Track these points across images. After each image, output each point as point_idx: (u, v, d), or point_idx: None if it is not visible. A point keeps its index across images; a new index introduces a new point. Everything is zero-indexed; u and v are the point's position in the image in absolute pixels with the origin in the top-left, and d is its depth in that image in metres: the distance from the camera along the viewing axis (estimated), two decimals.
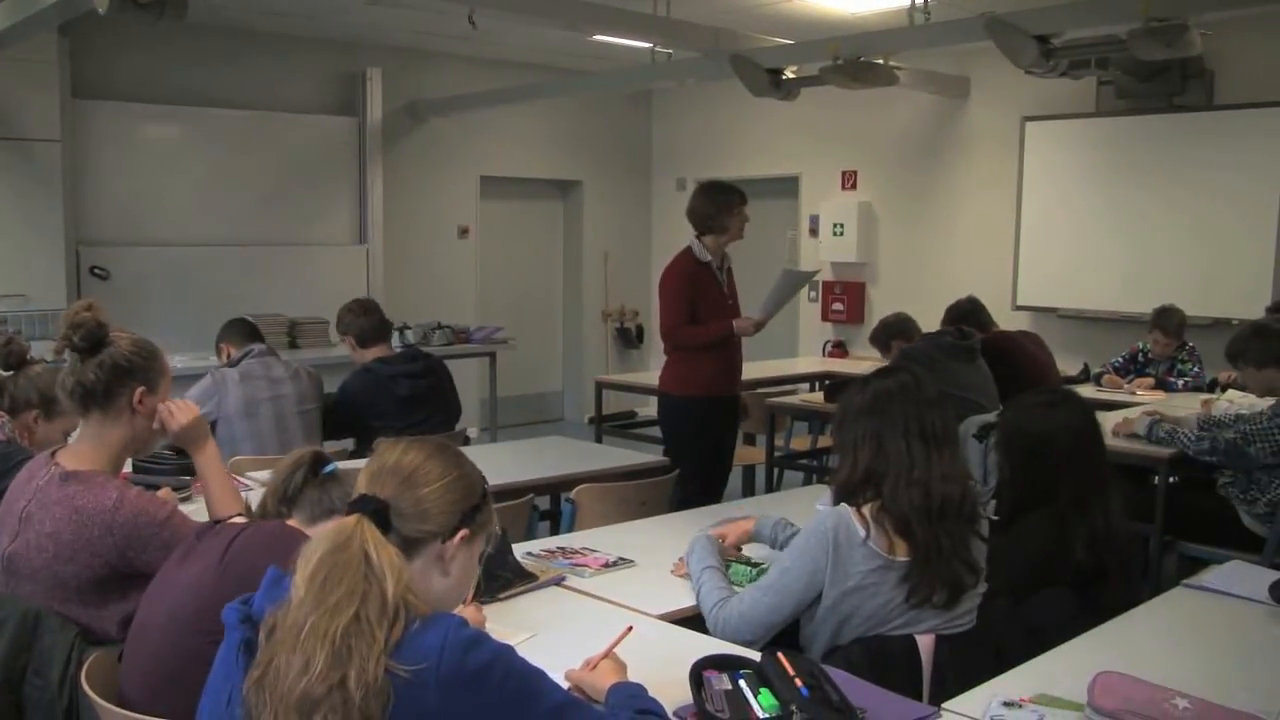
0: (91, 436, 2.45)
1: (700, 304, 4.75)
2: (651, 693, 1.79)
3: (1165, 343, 5.94)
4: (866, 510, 2.35)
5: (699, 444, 4.76)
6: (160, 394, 2.49)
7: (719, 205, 4.73)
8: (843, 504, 2.38)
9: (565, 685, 1.83)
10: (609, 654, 1.93)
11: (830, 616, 2.34)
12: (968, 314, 5.44)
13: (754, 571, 2.67)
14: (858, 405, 2.44)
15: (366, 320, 4.73)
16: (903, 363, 4.63)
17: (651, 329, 9.66)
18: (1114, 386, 5.97)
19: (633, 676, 1.88)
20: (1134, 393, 5.79)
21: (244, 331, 4.52)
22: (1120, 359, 6.19)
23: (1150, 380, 5.95)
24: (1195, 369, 5.94)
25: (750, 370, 7.22)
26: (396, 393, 4.57)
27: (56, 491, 2.35)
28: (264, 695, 1.40)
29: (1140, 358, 6.13)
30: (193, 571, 1.97)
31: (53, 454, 2.46)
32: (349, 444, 4.93)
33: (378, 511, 1.53)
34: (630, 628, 2.05)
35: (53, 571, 2.32)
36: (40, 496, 2.37)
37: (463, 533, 1.62)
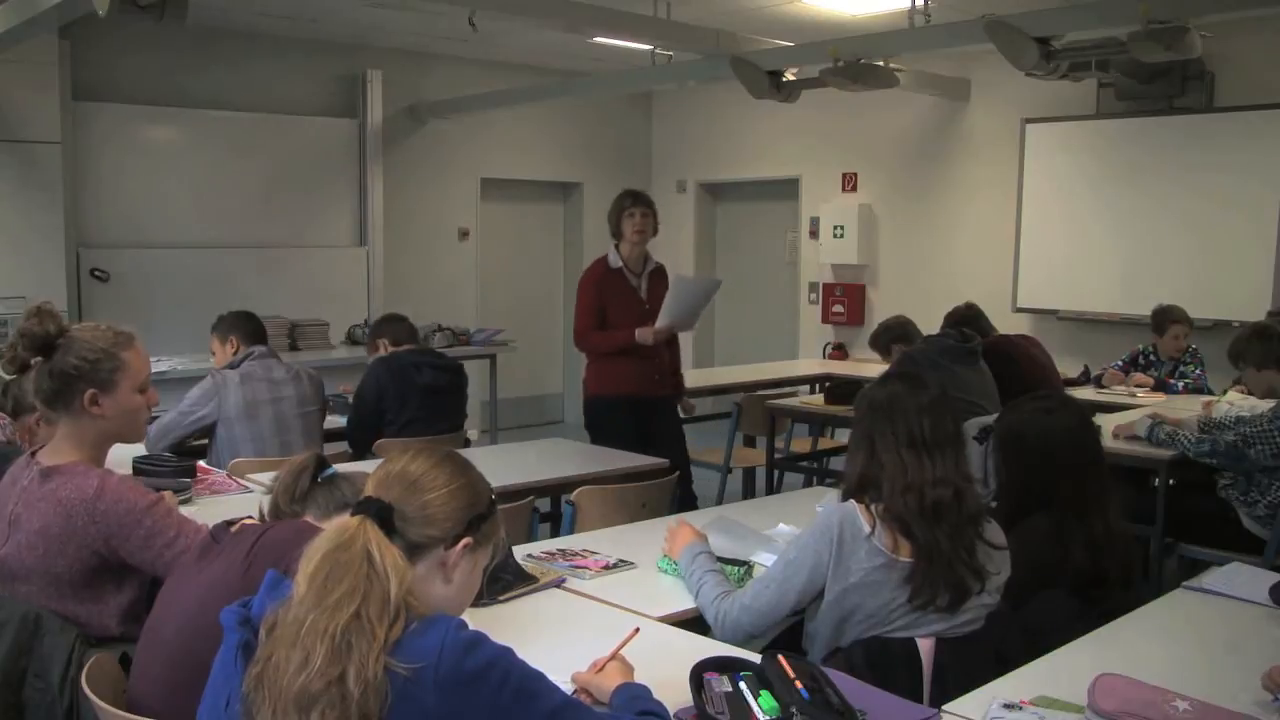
0: (65, 434, 2.46)
1: (609, 310, 4.88)
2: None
3: (1182, 333, 5.90)
4: (874, 508, 2.36)
5: (622, 444, 4.56)
6: (120, 390, 2.44)
7: (614, 209, 4.87)
8: (850, 500, 2.40)
9: (570, 688, 1.83)
10: (616, 656, 1.93)
11: (831, 613, 2.35)
12: (967, 320, 5.41)
13: (741, 571, 2.68)
14: (858, 413, 2.50)
15: (401, 326, 4.94)
16: (906, 365, 4.62)
17: None
18: (1115, 383, 5.96)
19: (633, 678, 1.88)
20: (1134, 393, 5.78)
21: (252, 331, 4.50)
22: (1120, 362, 6.18)
23: (1150, 380, 5.94)
24: (1197, 370, 5.93)
25: (750, 372, 7.27)
26: (417, 380, 4.63)
27: (39, 489, 2.37)
28: (263, 691, 1.40)
29: (1141, 360, 6.12)
30: (215, 571, 1.96)
31: (32, 454, 2.48)
32: (347, 446, 4.91)
33: (381, 513, 1.54)
34: (637, 629, 2.04)
35: (45, 568, 2.33)
36: (24, 497, 2.38)
37: (466, 541, 1.61)
